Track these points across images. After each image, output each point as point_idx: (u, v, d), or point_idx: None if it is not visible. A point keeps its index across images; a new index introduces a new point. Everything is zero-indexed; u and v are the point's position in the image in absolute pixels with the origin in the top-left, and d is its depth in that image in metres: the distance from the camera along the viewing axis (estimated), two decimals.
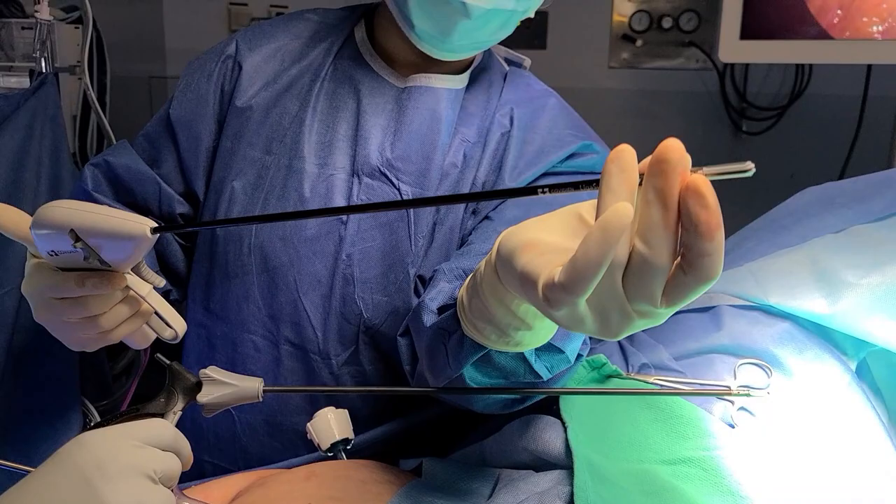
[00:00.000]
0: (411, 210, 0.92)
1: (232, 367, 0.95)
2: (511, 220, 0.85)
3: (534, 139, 0.95)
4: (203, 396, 0.68)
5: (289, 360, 0.96)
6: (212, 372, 0.69)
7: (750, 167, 0.43)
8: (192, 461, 0.64)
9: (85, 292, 0.69)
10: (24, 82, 1.69)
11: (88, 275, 0.68)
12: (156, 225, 0.64)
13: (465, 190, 0.95)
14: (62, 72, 1.77)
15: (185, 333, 0.97)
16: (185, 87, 1.01)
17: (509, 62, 1.07)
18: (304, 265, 0.94)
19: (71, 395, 1.11)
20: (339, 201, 0.94)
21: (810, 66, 2.06)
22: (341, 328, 0.94)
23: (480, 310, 0.61)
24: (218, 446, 0.99)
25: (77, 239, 0.64)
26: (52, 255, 0.67)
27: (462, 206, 0.94)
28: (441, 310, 0.74)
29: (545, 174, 0.93)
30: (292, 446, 0.96)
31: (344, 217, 0.93)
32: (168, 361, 0.69)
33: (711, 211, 0.42)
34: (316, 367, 0.95)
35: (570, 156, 0.94)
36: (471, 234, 0.93)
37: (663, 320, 0.47)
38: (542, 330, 0.62)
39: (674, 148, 0.43)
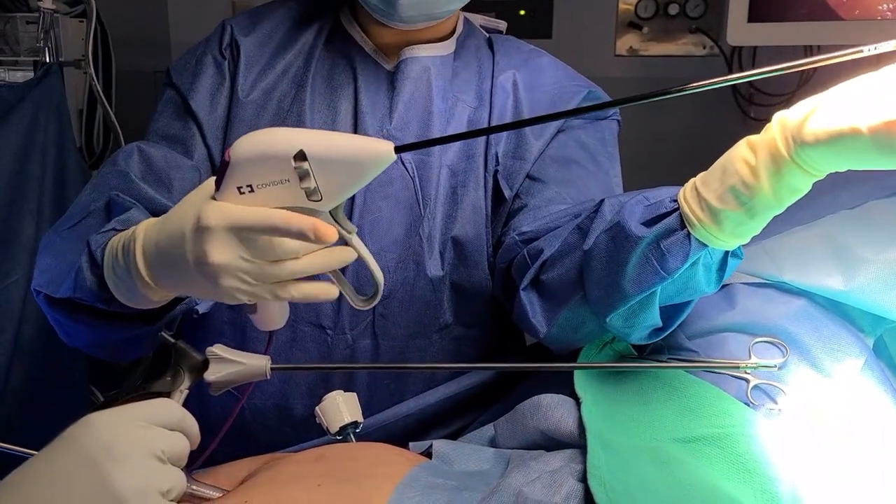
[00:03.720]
0: (416, 176, 0.97)
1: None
2: (555, 178, 0.97)
3: (542, 98, 1.01)
4: (210, 375, 0.67)
5: (304, 339, 0.96)
6: (218, 350, 0.68)
7: None
8: (199, 440, 0.63)
9: (304, 229, 0.61)
10: (29, 76, 1.69)
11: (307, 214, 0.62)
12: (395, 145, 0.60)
13: (479, 152, 0.99)
14: (67, 66, 1.76)
15: (191, 323, 0.97)
16: (196, 79, 1.00)
17: (487, 29, 1.11)
18: None
19: (78, 384, 1.10)
20: None
21: (818, 49, 2.04)
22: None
23: (736, 191, 0.65)
24: (227, 433, 0.99)
25: (303, 159, 0.59)
26: (242, 192, 0.62)
27: (481, 165, 0.98)
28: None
29: (560, 130, 1.00)
30: (304, 430, 0.96)
31: None
32: (174, 339, 0.68)
33: None
34: (331, 343, 0.96)
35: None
36: (522, 197, 0.97)
37: None
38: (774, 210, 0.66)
39: None
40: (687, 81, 0.62)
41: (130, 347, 0.89)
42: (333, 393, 0.88)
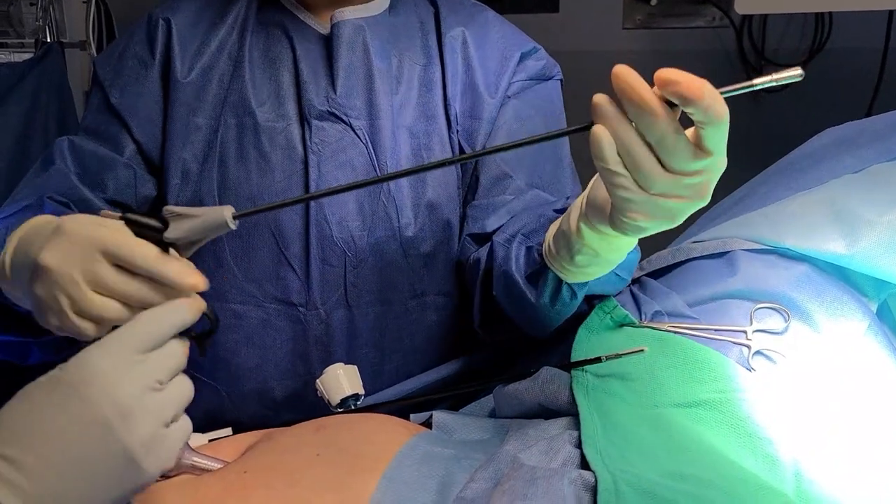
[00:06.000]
0: (368, 142, 0.96)
1: (212, 343, 0.93)
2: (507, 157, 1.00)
3: (492, 54, 1.02)
4: (171, 233, 0.61)
5: (276, 318, 0.95)
6: (174, 208, 0.62)
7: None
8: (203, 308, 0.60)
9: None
10: None
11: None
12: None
13: (440, 112, 0.99)
14: (71, 47, 1.77)
15: None
16: (117, 73, 0.99)
17: None
18: (281, 218, 0.94)
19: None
20: (298, 149, 0.95)
21: (830, 18, 2.01)
22: (324, 273, 0.95)
23: (569, 248, 0.74)
24: (209, 421, 0.96)
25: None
26: None
27: (444, 126, 0.99)
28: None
29: (509, 95, 1.01)
30: (286, 410, 0.96)
31: (302, 162, 0.95)
32: (121, 213, 0.63)
33: (682, 83, 0.53)
34: (304, 319, 0.95)
35: (522, 56, 1.03)
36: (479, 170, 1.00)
37: (711, 178, 0.58)
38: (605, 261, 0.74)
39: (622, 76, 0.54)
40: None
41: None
42: (334, 365, 0.88)
